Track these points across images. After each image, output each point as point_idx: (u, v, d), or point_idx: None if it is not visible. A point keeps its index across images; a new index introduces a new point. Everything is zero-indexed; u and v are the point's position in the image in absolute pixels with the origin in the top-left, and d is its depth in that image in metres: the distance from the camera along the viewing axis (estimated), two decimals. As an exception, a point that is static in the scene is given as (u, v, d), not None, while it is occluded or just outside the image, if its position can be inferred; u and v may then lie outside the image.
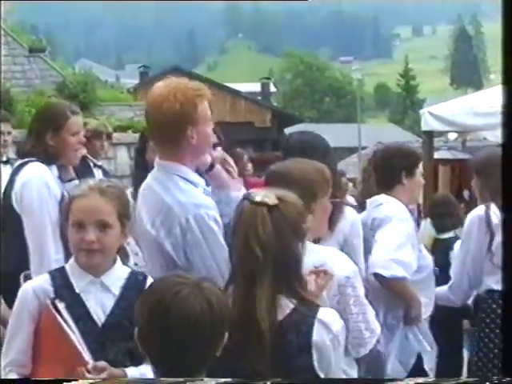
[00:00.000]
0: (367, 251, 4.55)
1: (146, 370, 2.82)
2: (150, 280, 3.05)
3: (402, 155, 4.87)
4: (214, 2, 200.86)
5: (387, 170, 4.83)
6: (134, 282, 3.10)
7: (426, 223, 8.61)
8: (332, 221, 3.99)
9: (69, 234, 3.05)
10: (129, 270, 3.18)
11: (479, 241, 4.90)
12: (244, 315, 2.66)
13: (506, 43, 3.07)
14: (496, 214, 4.82)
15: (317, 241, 3.53)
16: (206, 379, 2.39)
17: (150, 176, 3.70)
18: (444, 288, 5.23)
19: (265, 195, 2.77)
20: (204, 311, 2.31)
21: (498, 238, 4.79)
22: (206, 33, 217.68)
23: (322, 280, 3.04)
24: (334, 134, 40.53)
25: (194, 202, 3.47)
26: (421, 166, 4.95)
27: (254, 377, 2.62)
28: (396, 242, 4.59)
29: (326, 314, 2.77)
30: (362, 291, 3.39)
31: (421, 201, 13.92)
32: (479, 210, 4.98)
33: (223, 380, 2.50)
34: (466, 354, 7.01)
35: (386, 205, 4.73)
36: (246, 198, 2.82)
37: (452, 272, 5.22)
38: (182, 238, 3.44)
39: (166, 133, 3.54)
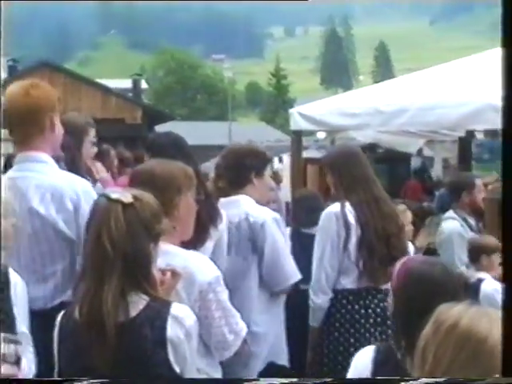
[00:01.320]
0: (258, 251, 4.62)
1: None
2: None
3: (252, 156, 4.95)
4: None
5: (239, 169, 4.90)
6: None
7: None
8: (205, 220, 4.02)
9: None
10: None
11: (335, 238, 5.04)
12: (93, 310, 2.70)
13: (506, 43, 3.09)
14: (351, 212, 4.97)
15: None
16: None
17: (16, 168, 3.81)
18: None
19: (121, 193, 2.83)
20: None
21: (354, 237, 4.94)
22: (78, 27, 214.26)
23: (170, 280, 3.07)
24: (205, 132, 40.67)
25: (76, 179, 3.74)
26: (269, 168, 5.10)
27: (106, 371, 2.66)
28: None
29: (179, 309, 2.82)
30: (225, 295, 3.39)
31: (289, 199, 14.12)
32: (334, 206, 5.10)
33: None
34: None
35: (255, 207, 4.81)
36: (103, 194, 2.88)
37: (312, 269, 5.29)
38: (74, 212, 3.64)
39: (26, 124, 3.69)
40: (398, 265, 3.11)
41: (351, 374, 3.03)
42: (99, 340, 2.67)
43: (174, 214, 3.35)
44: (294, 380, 2.99)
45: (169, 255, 3.25)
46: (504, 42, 2.96)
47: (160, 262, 3.15)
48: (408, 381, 2.35)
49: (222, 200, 4.85)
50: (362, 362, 3.06)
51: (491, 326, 2.16)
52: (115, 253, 2.72)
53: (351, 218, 4.97)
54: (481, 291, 6.12)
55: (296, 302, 5.74)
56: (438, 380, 2.19)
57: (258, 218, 4.71)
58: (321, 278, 5.09)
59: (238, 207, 4.77)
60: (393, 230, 5.03)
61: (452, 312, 2.23)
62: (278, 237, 4.75)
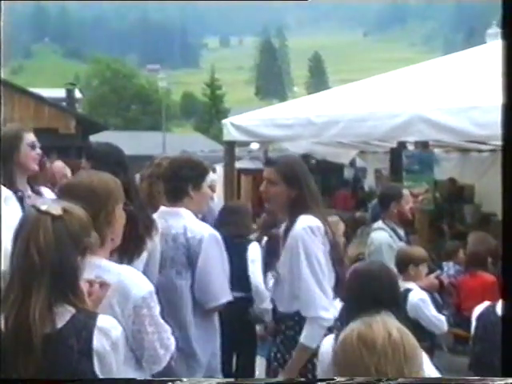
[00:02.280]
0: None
1: None
2: None
3: (189, 167, 4.89)
4: (20, 2, 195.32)
5: (175, 181, 4.84)
6: None
7: None
8: (142, 232, 4.00)
9: None
10: None
11: (323, 253, 4.51)
12: (19, 320, 2.69)
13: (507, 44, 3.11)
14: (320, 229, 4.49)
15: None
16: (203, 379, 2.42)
17: None
18: None
19: (51, 205, 2.83)
20: None
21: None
22: (10, 35, 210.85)
23: (99, 291, 3.07)
24: (139, 142, 40.44)
25: None
26: (208, 178, 4.98)
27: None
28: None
29: (105, 321, 2.83)
30: (157, 310, 3.38)
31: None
32: (313, 221, 4.49)
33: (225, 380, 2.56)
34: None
35: (195, 222, 4.78)
36: (33, 206, 2.86)
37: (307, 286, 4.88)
38: None
39: None
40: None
41: (318, 362, 3.52)
42: (25, 351, 2.67)
43: (114, 225, 3.38)
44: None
45: (101, 269, 3.24)
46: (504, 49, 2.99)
47: (93, 276, 3.15)
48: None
49: (162, 209, 4.83)
50: (325, 349, 3.50)
51: (381, 330, 2.34)
52: (43, 264, 2.71)
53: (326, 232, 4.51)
54: (408, 301, 6.21)
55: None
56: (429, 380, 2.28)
57: (196, 234, 4.65)
58: (327, 293, 4.46)
59: (178, 220, 4.72)
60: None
61: (348, 328, 2.39)
62: (213, 254, 4.69)
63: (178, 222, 4.71)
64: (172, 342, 3.49)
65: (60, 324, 2.73)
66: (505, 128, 2.88)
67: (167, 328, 3.47)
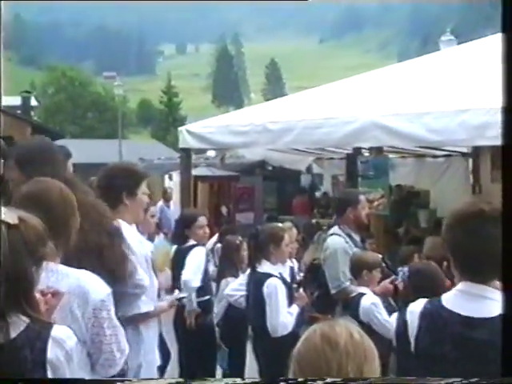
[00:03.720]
0: None
1: None
2: None
3: (123, 175, 4.87)
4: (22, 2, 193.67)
5: (109, 190, 4.80)
6: None
7: (160, 238, 8.80)
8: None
9: None
10: None
11: None
12: None
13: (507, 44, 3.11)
14: None
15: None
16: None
17: None
18: None
19: (6, 213, 2.77)
20: None
21: None
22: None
23: (52, 300, 3.04)
24: (95, 150, 40.21)
25: None
26: (143, 185, 4.95)
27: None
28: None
29: (60, 331, 2.79)
30: (113, 313, 3.40)
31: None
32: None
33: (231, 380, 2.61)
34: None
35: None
36: None
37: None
38: None
39: None
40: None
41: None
42: None
43: (71, 233, 3.40)
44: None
45: (60, 274, 3.24)
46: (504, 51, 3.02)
47: (52, 282, 3.16)
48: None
49: None
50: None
51: (343, 331, 2.36)
52: None
53: None
54: (360, 305, 6.26)
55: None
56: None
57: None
58: None
59: None
60: None
61: (311, 329, 2.38)
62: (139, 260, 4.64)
63: None
64: (126, 347, 3.52)
65: (14, 334, 2.68)
66: (505, 130, 2.91)
67: (122, 331, 3.50)
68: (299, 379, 2.35)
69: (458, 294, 3.23)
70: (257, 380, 2.76)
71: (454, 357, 3.20)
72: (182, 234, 7.45)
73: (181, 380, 2.70)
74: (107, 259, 3.97)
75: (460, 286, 3.23)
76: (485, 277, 3.17)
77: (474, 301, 3.19)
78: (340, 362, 2.32)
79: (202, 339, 7.22)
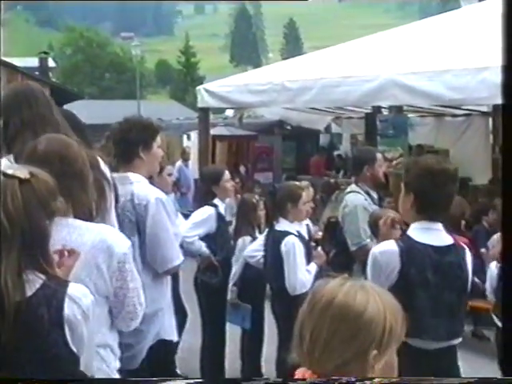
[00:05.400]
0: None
1: None
2: None
3: (138, 129, 4.85)
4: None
5: (125, 143, 4.81)
6: None
7: (172, 197, 8.75)
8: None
9: None
10: None
11: None
12: None
13: (506, 41, 3.09)
14: None
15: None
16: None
17: None
18: None
19: (17, 169, 2.75)
20: None
21: None
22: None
23: (69, 259, 3.03)
24: (114, 111, 40.15)
25: None
26: (158, 138, 4.94)
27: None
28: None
29: (76, 289, 2.77)
30: (134, 266, 3.43)
31: (197, 176, 14.10)
32: None
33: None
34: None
35: (141, 187, 4.73)
36: None
37: None
38: None
39: None
40: None
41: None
42: None
43: (89, 187, 3.40)
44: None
45: (81, 229, 3.23)
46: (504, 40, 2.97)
47: (74, 238, 3.17)
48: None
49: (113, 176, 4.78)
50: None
51: (367, 299, 2.20)
52: (13, 230, 2.63)
53: None
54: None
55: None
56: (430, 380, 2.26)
57: (142, 200, 4.64)
58: None
59: (125, 186, 4.64)
60: None
61: (326, 289, 2.25)
62: (160, 219, 4.68)
63: (126, 188, 4.65)
64: (143, 300, 3.52)
65: (30, 292, 2.65)
66: (504, 132, 2.89)
67: (141, 284, 3.51)
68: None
69: (421, 230, 4.14)
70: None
71: (434, 280, 4.08)
72: (209, 190, 7.39)
73: (199, 380, 2.67)
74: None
75: (418, 224, 4.14)
76: (438, 218, 4.16)
77: (434, 234, 4.15)
78: (367, 335, 2.18)
79: (217, 298, 7.22)
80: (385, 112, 12.14)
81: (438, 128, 15.20)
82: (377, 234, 6.47)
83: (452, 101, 9.43)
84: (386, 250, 4.14)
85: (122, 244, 3.35)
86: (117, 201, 4.19)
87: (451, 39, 9.91)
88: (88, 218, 3.58)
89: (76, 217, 3.33)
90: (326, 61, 11.28)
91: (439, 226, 4.17)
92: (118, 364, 3.04)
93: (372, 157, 7.23)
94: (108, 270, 3.24)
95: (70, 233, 3.17)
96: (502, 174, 3.30)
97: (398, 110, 10.32)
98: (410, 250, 4.09)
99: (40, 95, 4.10)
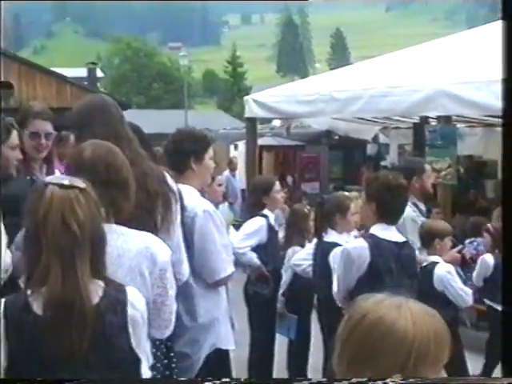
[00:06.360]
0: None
1: None
2: None
3: (190, 140, 4.85)
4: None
5: (177, 154, 4.82)
6: None
7: (224, 207, 8.70)
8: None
9: None
10: None
11: None
12: (68, 298, 2.65)
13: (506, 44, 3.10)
14: None
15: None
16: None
17: None
18: None
19: (71, 179, 2.81)
20: None
21: None
22: (31, 15, 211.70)
23: None
24: (161, 120, 40.43)
25: None
26: (211, 150, 4.93)
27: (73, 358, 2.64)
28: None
29: (133, 293, 2.86)
30: (172, 274, 3.44)
31: (244, 186, 14.12)
32: None
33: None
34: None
35: (190, 199, 4.66)
36: (49, 183, 2.80)
37: None
38: None
39: None
40: None
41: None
42: (79, 325, 2.65)
43: (132, 195, 3.39)
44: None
45: (127, 236, 3.26)
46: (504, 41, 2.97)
47: (120, 244, 3.19)
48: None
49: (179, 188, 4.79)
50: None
51: (396, 320, 2.05)
52: (83, 235, 2.70)
53: None
54: (434, 274, 6.22)
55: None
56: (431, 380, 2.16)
57: (190, 212, 4.59)
58: None
59: None
60: None
61: (362, 305, 2.14)
62: (208, 230, 4.67)
63: None
64: (175, 307, 3.52)
65: (96, 298, 2.72)
66: (505, 137, 2.88)
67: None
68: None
69: (382, 230, 5.14)
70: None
71: (396, 268, 5.05)
72: (259, 201, 7.38)
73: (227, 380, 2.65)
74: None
75: (379, 225, 5.15)
76: (394, 221, 5.23)
77: (392, 233, 5.19)
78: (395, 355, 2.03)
79: (267, 308, 7.22)
80: (433, 122, 12.06)
81: (487, 138, 15.06)
82: (428, 245, 6.45)
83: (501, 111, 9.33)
84: (358, 246, 5.20)
85: (165, 252, 3.36)
86: (182, 212, 4.23)
87: (500, 48, 9.82)
88: (152, 229, 3.62)
89: (138, 227, 3.37)
90: (374, 71, 11.26)
91: (393, 227, 5.22)
92: (149, 373, 3.04)
93: (421, 168, 7.19)
94: (150, 276, 3.25)
95: (115, 239, 3.18)
96: (502, 175, 3.30)
97: (446, 120, 10.22)
98: (377, 245, 5.09)
99: (114, 110, 4.09)
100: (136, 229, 3.36)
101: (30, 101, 14.14)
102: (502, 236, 4.63)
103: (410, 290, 4.91)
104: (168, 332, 3.48)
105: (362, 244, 5.15)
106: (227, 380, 2.67)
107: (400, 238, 5.25)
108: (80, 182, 2.80)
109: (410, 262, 5.30)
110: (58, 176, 2.85)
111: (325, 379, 2.20)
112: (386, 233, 5.15)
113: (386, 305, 2.10)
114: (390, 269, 5.05)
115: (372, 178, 5.42)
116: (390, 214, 5.17)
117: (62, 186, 2.77)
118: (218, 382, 2.51)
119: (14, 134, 4.59)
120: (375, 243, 5.11)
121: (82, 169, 3.20)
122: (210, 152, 4.93)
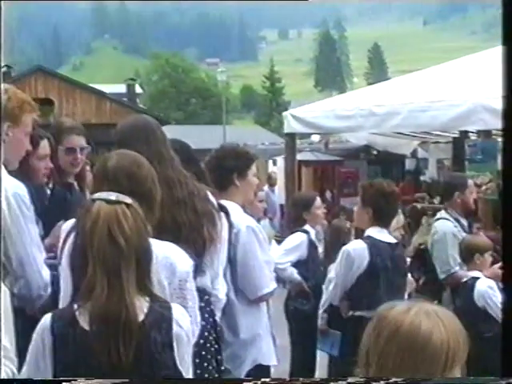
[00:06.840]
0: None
1: None
2: None
3: (233, 156, 4.85)
4: (80, 2, 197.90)
5: (220, 170, 4.80)
6: None
7: (265, 222, 8.70)
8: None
9: None
10: None
11: None
12: (113, 312, 2.66)
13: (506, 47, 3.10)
14: None
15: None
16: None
17: None
18: None
19: (117, 195, 2.83)
20: None
21: None
22: (71, 32, 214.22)
23: None
24: (199, 136, 40.63)
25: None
26: (254, 167, 4.92)
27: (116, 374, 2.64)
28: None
29: (178, 311, 2.85)
30: (194, 285, 3.42)
31: (283, 201, 14.13)
32: None
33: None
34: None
35: (233, 215, 4.57)
36: (96, 199, 2.83)
37: None
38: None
39: None
40: None
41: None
42: (125, 340, 2.66)
43: (156, 206, 3.41)
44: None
45: None
46: (505, 43, 2.97)
47: None
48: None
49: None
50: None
51: (432, 328, 2.18)
52: (129, 249, 2.71)
53: None
54: (475, 289, 6.17)
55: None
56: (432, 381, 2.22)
57: (234, 228, 4.55)
58: None
59: None
60: None
61: (392, 315, 2.23)
62: (251, 247, 4.67)
63: None
64: (199, 320, 3.51)
65: (141, 314, 2.72)
66: (505, 136, 2.86)
67: (198, 305, 3.50)
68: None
69: (376, 232, 5.67)
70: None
71: (391, 266, 5.61)
72: (299, 217, 7.39)
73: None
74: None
75: (374, 228, 5.69)
76: (387, 224, 5.79)
77: (385, 235, 5.73)
78: (433, 362, 2.17)
79: (308, 324, 7.21)
80: (473, 136, 11.99)
81: (527, 152, 14.94)
82: (468, 260, 6.41)
83: (543, 125, 9.26)
84: (357, 247, 5.69)
85: (185, 262, 3.33)
86: (230, 229, 4.27)
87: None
88: (201, 248, 3.63)
89: (189, 248, 3.42)
90: (413, 85, 11.23)
91: (386, 230, 5.77)
92: None
93: (463, 183, 7.16)
94: (169, 286, 3.23)
95: None
96: (502, 175, 3.29)
97: (486, 134, 10.16)
98: (375, 246, 5.62)
99: (157, 131, 4.08)
100: (187, 249, 3.37)
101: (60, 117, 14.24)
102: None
103: (402, 285, 5.80)
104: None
105: (361, 245, 5.69)
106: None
107: (392, 240, 5.83)
108: (127, 198, 2.83)
109: (401, 261, 5.92)
110: (106, 192, 2.86)
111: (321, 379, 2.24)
112: (381, 235, 5.71)
113: (416, 313, 2.21)
114: (386, 267, 5.62)
115: (367, 185, 5.93)
116: (384, 218, 5.74)
117: (109, 201, 2.79)
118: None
119: (43, 144, 4.60)
120: (372, 244, 5.65)
121: (105, 178, 3.23)
122: (253, 168, 4.92)
